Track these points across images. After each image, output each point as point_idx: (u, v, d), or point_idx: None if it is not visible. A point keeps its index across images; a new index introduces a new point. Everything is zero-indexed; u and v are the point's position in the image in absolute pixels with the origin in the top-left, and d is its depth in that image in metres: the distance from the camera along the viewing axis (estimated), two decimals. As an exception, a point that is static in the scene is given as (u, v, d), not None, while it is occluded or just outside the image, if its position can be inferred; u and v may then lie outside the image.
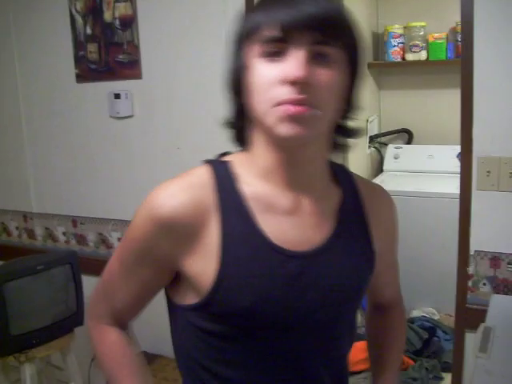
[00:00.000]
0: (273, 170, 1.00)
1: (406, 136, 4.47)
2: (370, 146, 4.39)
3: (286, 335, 1.01)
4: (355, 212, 1.09)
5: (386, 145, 4.47)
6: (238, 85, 0.97)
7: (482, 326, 1.80)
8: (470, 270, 2.13)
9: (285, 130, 0.91)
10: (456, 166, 3.75)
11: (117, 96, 2.67)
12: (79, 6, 2.70)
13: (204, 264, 0.97)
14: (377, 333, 1.35)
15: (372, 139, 4.38)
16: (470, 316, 2.13)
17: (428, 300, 3.74)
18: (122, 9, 2.59)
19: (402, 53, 4.17)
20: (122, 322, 1.13)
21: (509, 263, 2.06)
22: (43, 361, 2.72)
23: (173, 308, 1.09)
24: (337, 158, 1.10)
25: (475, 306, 2.12)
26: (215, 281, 0.96)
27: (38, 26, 2.87)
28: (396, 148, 4.36)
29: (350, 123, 1.04)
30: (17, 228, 3.25)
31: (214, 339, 1.01)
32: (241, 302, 0.96)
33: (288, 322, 1.00)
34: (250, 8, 1.02)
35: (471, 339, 2.07)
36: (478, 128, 2.02)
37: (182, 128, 2.62)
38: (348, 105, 0.99)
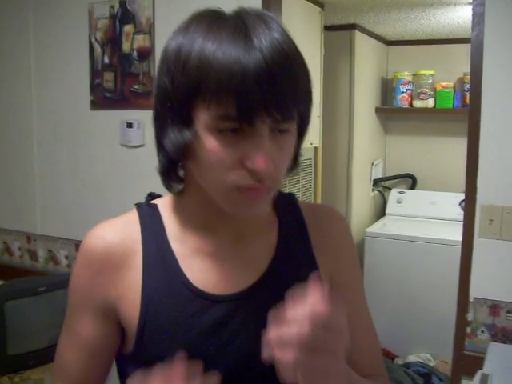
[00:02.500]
0: (202, 217, 0.95)
1: (410, 181, 4.52)
2: (373, 190, 4.43)
3: None
4: (299, 242, 1.00)
5: (389, 189, 4.52)
6: (181, 150, 0.84)
7: (479, 373, 1.81)
8: (469, 316, 2.14)
9: (242, 211, 0.87)
10: (458, 213, 3.82)
11: (129, 125, 2.72)
12: (99, 35, 2.77)
13: (130, 309, 0.92)
14: None
15: (376, 183, 4.43)
16: (467, 363, 2.13)
17: (424, 345, 3.73)
18: (141, 41, 2.66)
19: (409, 99, 4.25)
20: None
21: (508, 311, 2.07)
22: (37, 383, 2.71)
23: (117, 358, 1.01)
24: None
25: (473, 353, 2.12)
26: (138, 328, 0.91)
27: (57, 52, 2.93)
28: (399, 192, 4.40)
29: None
30: (19, 249, 3.26)
31: None
32: (162, 353, 0.88)
33: (219, 370, 0.83)
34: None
35: (467, 386, 2.07)
36: (483, 177, 2.06)
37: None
38: (294, 160, 0.92)
